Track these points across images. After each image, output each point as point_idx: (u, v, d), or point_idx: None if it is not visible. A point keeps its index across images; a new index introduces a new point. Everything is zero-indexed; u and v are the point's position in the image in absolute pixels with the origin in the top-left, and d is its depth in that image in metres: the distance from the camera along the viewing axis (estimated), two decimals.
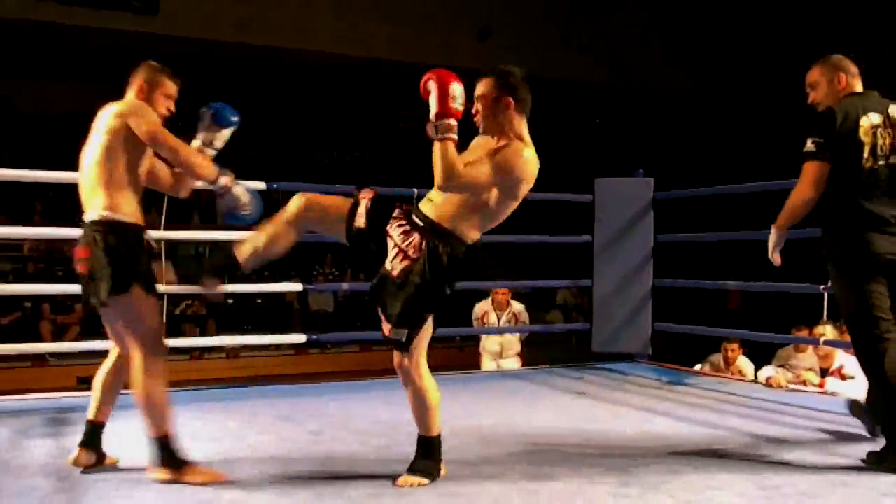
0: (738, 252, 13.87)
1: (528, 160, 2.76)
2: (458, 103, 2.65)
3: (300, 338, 5.26)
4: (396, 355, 2.85)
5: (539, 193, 4.99)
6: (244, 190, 3.08)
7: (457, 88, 2.65)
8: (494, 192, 2.75)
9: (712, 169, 12.33)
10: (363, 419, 3.90)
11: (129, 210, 2.86)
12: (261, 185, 4.80)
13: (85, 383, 8.89)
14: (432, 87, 2.65)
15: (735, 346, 6.39)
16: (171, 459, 2.81)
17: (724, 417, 4.04)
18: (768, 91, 14.37)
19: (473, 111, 2.83)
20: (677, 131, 15.83)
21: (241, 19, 12.33)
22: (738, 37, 14.55)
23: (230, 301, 11.27)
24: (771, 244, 3.36)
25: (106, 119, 2.87)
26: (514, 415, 4.05)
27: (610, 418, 4.00)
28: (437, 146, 2.64)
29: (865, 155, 3.08)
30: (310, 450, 3.29)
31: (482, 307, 6.86)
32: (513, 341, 6.82)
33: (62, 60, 13.01)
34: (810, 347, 6.14)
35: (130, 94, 3.00)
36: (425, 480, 2.78)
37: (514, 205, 2.83)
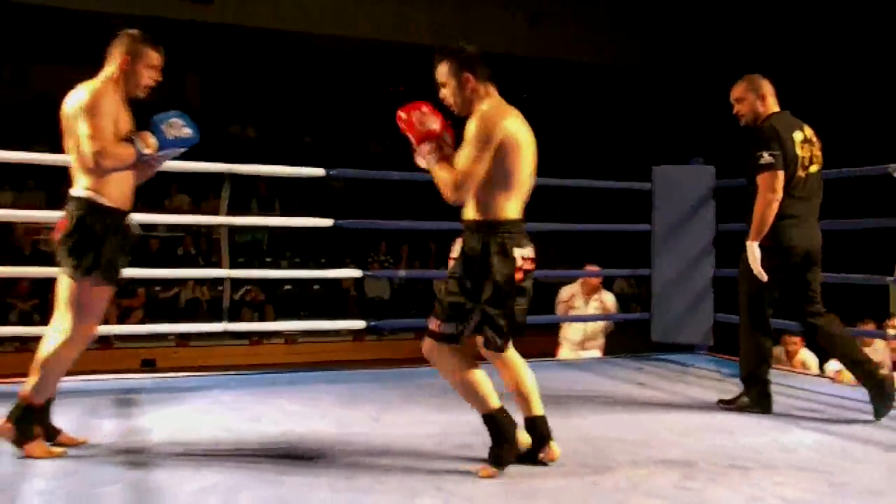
0: None
1: (488, 116, 2.77)
2: (426, 125, 2.85)
3: (359, 324, 5.31)
4: (426, 342, 2.89)
5: (597, 181, 4.97)
6: (164, 139, 3.02)
7: (416, 115, 2.87)
8: (489, 165, 2.75)
9: None
10: (420, 405, 3.92)
11: (114, 193, 2.92)
12: (320, 171, 4.82)
13: (148, 365, 9.15)
14: (402, 126, 2.89)
15: (797, 339, 6.28)
16: (20, 426, 2.85)
17: (788, 411, 3.97)
18: (829, 76, 14.03)
19: (441, 98, 2.92)
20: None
21: (292, 6, 12.44)
22: (799, 23, 14.20)
23: (288, 287, 11.42)
24: (752, 259, 3.76)
25: (73, 105, 2.91)
26: (572, 405, 4.03)
27: (670, 410, 3.96)
28: (432, 172, 2.82)
29: (798, 165, 3.71)
30: (369, 435, 3.31)
31: (569, 290, 6.32)
32: (597, 331, 6.26)
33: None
34: (876, 340, 6.01)
35: (111, 68, 2.98)
36: (493, 470, 2.77)
37: (520, 164, 2.80)
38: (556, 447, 2.88)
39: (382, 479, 2.71)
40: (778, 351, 6.40)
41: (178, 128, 3.07)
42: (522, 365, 2.97)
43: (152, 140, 2.98)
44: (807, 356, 6.31)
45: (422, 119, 2.85)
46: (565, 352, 6.25)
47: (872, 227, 4.95)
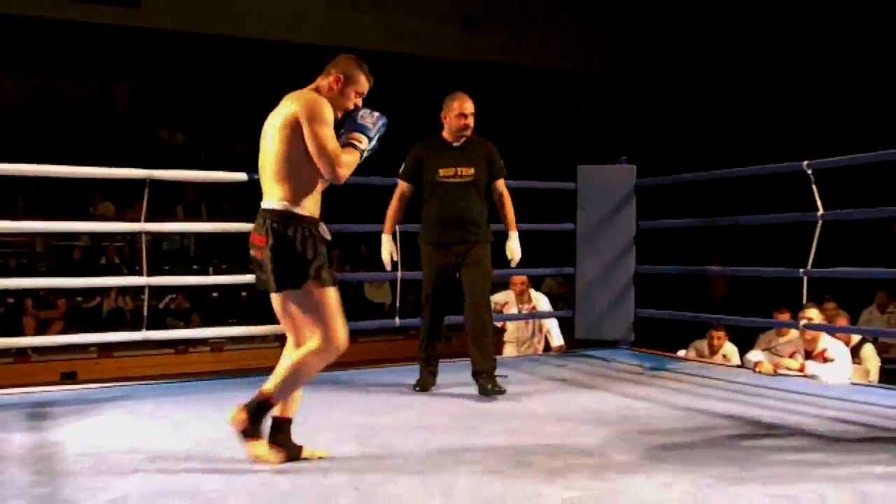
0: (721, 238, 14.01)
1: None
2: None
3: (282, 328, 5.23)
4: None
5: (522, 181, 5.03)
6: (367, 136, 3.01)
7: None
8: None
9: (694, 156, 12.36)
10: (343, 407, 3.91)
11: (308, 203, 2.90)
12: (242, 176, 4.77)
13: (69, 378, 8.90)
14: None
15: (721, 333, 6.42)
16: (256, 422, 2.84)
17: (705, 401, 4.07)
18: (748, 78, 14.43)
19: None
20: (659, 119, 15.85)
21: (228, 11, 12.27)
22: (721, 23, 14.57)
23: (215, 294, 11.24)
24: None
25: (285, 110, 2.89)
26: (494, 403, 4.06)
27: (591, 404, 4.01)
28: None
29: None
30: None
31: (504, 296, 6.44)
32: (534, 332, 6.38)
33: (45, 55, 12.92)
34: (792, 330, 6.19)
35: (323, 82, 3.00)
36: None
37: None
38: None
39: (300, 483, 2.69)
40: (702, 345, 6.55)
41: (369, 117, 3.03)
42: None
43: (363, 138, 2.97)
44: (729, 349, 6.46)
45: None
46: (508, 351, 6.41)
47: (790, 221, 5.10)
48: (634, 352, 5.59)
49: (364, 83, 3.04)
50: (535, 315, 6.23)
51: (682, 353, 6.28)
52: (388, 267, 4.50)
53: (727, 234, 12.91)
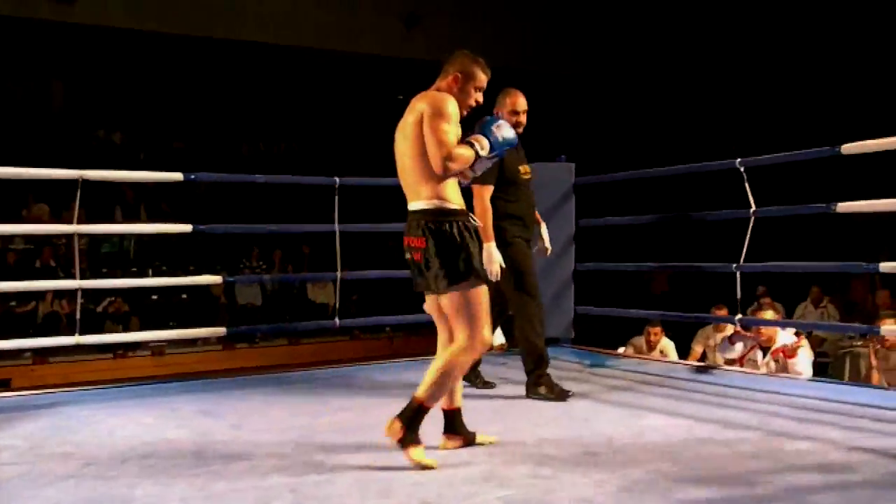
0: (660, 235, 14.22)
1: None
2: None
3: (220, 330, 5.19)
4: None
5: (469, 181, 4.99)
6: (490, 141, 3.00)
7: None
8: None
9: (634, 153, 12.54)
10: (283, 409, 3.88)
11: (455, 197, 2.96)
12: (178, 176, 4.70)
13: (2, 386, 8.66)
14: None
15: (657, 329, 6.53)
16: (412, 429, 2.87)
17: (642, 398, 4.14)
18: (685, 75, 14.66)
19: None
20: (599, 116, 16.02)
21: (163, 7, 12.06)
22: (659, 20, 14.78)
23: (154, 297, 11.05)
24: None
25: (416, 110, 2.96)
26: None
27: (530, 402, 4.05)
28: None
29: None
30: (228, 443, 3.25)
31: None
32: None
33: None
34: (729, 326, 6.33)
35: (442, 83, 3.05)
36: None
37: None
38: None
39: (237, 486, 2.67)
40: (639, 341, 6.66)
41: (504, 129, 3.03)
42: None
43: (485, 142, 2.97)
44: (666, 345, 6.58)
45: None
46: None
47: (724, 218, 5.21)
48: (574, 349, 5.65)
49: (482, 77, 3.07)
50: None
51: (621, 349, 6.37)
52: (498, 277, 3.86)
53: (666, 230, 13.13)
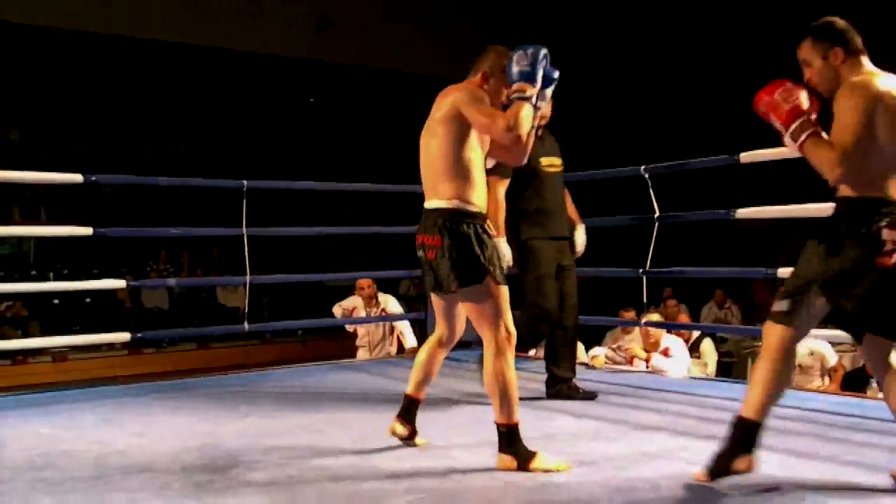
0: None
1: (861, 85, 2.52)
2: (789, 104, 2.57)
3: (125, 336, 5.03)
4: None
5: (376, 185, 5.00)
6: (531, 77, 2.78)
7: (779, 93, 2.59)
8: (879, 137, 2.50)
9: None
10: (188, 416, 3.78)
11: (478, 200, 2.88)
12: (78, 177, 4.53)
13: None
14: (764, 109, 2.62)
15: None
16: (517, 447, 2.82)
17: (550, 399, 4.19)
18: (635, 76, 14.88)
19: (806, 81, 2.69)
20: None
21: (65, 2, 11.67)
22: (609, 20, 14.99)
23: (56, 301, 10.67)
24: None
25: (444, 104, 2.87)
26: (345, 407, 4.04)
27: (441, 407, 4.04)
28: (805, 152, 2.56)
29: None
30: (129, 452, 3.14)
31: (351, 302, 6.43)
32: (385, 335, 6.40)
33: None
34: (637, 329, 6.46)
35: (475, 79, 2.95)
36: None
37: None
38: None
39: (136, 497, 2.58)
40: None
41: (525, 57, 2.77)
42: None
43: (526, 84, 2.76)
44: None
45: (787, 96, 2.59)
46: (361, 355, 6.40)
47: (627, 224, 5.33)
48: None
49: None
50: (387, 318, 6.25)
51: (532, 352, 6.43)
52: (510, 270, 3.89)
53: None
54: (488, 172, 3.35)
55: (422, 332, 6.06)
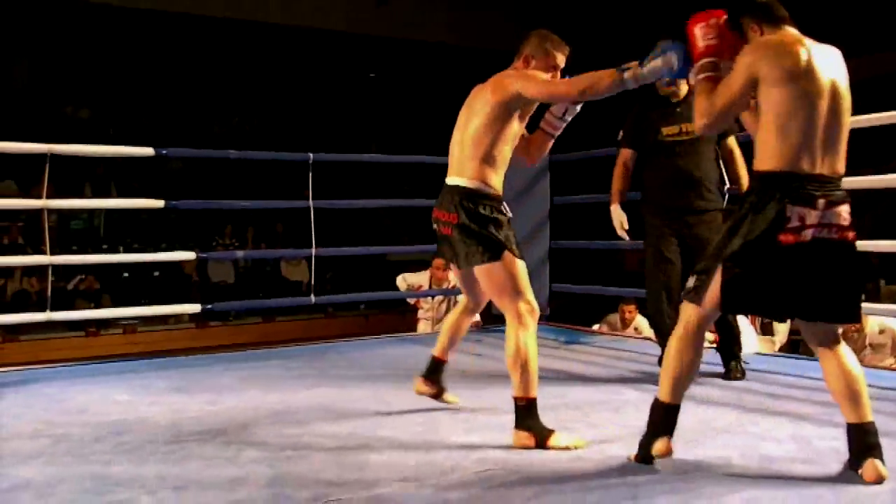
0: (632, 213, 14.26)
1: (767, 44, 2.48)
2: (705, 41, 2.59)
3: (194, 307, 5.14)
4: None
5: (434, 157, 5.01)
6: (657, 62, 2.69)
7: (701, 29, 2.60)
8: (780, 105, 2.40)
9: (608, 131, 12.53)
10: (257, 387, 3.86)
11: (497, 184, 2.94)
12: (149, 150, 4.63)
13: None
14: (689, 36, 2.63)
15: (632, 307, 6.55)
16: (534, 424, 2.82)
17: (617, 373, 4.16)
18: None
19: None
20: None
21: None
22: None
23: (126, 274, 10.94)
24: None
25: (486, 88, 2.93)
26: (410, 378, 4.06)
27: (504, 379, 4.04)
28: (696, 92, 2.58)
29: None
30: (203, 419, 3.22)
31: (418, 279, 6.47)
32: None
33: None
34: None
35: (517, 63, 2.99)
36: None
37: (802, 98, 2.41)
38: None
39: (213, 463, 2.64)
40: (614, 318, 6.68)
41: (667, 65, 2.68)
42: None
43: (633, 63, 2.72)
44: (640, 322, 6.60)
45: (707, 32, 2.60)
46: (422, 328, 6.42)
47: None
48: (550, 326, 5.67)
49: (556, 56, 2.97)
50: (449, 291, 6.25)
51: (595, 327, 6.39)
52: (625, 237, 4.30)
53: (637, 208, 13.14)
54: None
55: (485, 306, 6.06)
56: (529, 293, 2.92)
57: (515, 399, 2.86)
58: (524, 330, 2.87)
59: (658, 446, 2.58)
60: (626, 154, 4.19)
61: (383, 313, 10.49)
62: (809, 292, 2.43)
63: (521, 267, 2.92)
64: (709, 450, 2.77)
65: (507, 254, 2.87)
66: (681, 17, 2.68)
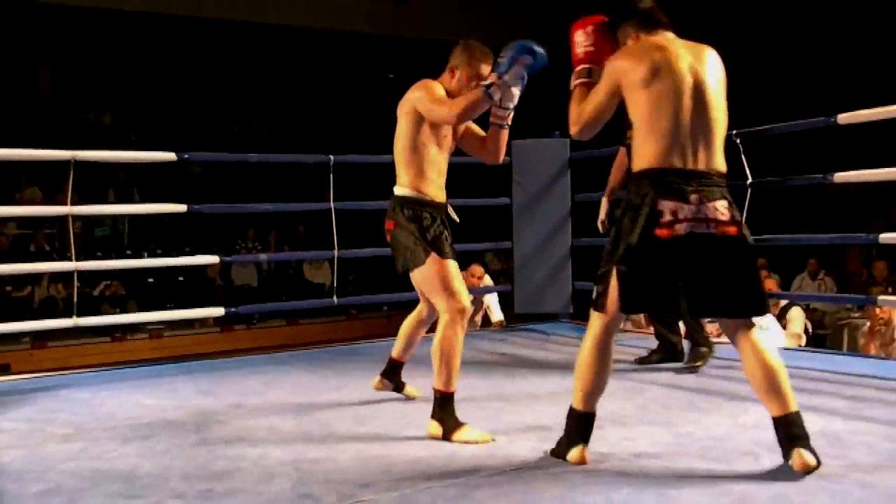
0: None
1: (629, 50, 2.56)
2: (583, 48, 2.71)
3: (218, 311, 5.18)
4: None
5: (455, 157, 5.00)
6: (515, 69, 2.84)
7: (580, 36, 2.72)
8: (642, 106, 2.47)
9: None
10: (283, 389, 3.88)
11: (428, 189, 3.06)
12: (171, 156, 4.66)
13: (2, 371, 8.65)
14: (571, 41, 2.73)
15: None
16: (447, 417, 2.92)
17: (641, 371, 4.14)
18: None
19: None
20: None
21: None
22: None
23: (150, 280, 11.02)
24: None
25: (404, 103, 3.06)
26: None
27: (529, 377, 4.05)
28: (572, 97, 2.68)
29: None
30: (229, 422, 3.24)
31: None
32: (477, 312, 6.40)
33: None
34: None
35: (444, 78, 3.09)
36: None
37: (662, 99, 2.46)
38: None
39: (239, 464, 2.66)
40: (638, 316, 6.64)
41: (505, 51, 2.85)
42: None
43: (493, 74, 2.87)
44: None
45: (585, 39, 2.71)
46: None
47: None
48: (573, 324, 5.65)
49: (477, 66, 3.04)
50: (475, 290, 6.25)
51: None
52: (601, 229, 4.53)
53: None
54: None
55: (508, 305, 6.06)
56: (460, 293, 3.00)
57: (435, 391, 2.96)
58: (451, 328, 2.95)
59: (573, 454, 2.58)
60: (622, 151, 4.39)
61: (406, 314, 10.48)
62: (701, 288, 2.42)
63: (450, 267, 3.01)
64: (737, 445, 2.75)
65: (433, 255, 2.99)
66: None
